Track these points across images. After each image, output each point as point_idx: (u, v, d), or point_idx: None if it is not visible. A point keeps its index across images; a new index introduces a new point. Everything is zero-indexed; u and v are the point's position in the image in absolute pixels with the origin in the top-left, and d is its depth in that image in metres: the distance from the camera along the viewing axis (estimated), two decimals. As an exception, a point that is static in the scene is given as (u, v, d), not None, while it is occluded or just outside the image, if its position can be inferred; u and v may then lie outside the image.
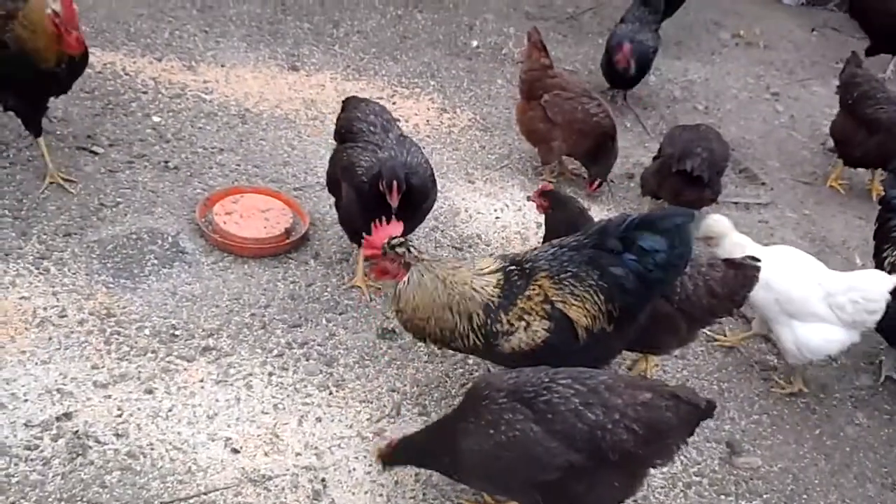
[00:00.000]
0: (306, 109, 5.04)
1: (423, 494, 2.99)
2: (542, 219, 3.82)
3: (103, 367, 3.20)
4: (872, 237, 4.08)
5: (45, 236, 3.72)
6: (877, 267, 3.93)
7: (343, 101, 3.93)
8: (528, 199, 3.97)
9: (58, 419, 2.96)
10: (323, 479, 2.97)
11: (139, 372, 3.21)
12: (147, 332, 3.39)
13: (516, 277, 2.99)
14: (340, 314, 3.67)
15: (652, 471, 2.76)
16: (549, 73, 4.78)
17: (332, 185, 3.79)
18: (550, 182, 4.90)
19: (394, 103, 5.29)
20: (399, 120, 5.11)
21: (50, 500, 2.73)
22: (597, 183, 4.81)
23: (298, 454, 3.04)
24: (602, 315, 2.96)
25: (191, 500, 2.83)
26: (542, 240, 3.75)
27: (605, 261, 2.95)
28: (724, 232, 3.82)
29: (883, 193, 4.28)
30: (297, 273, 3.84)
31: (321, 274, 3.86)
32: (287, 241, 3.93)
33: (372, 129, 3.64)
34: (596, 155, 4.80)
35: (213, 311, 3.55)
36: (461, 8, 6.68)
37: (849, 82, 5.27)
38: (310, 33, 5.89)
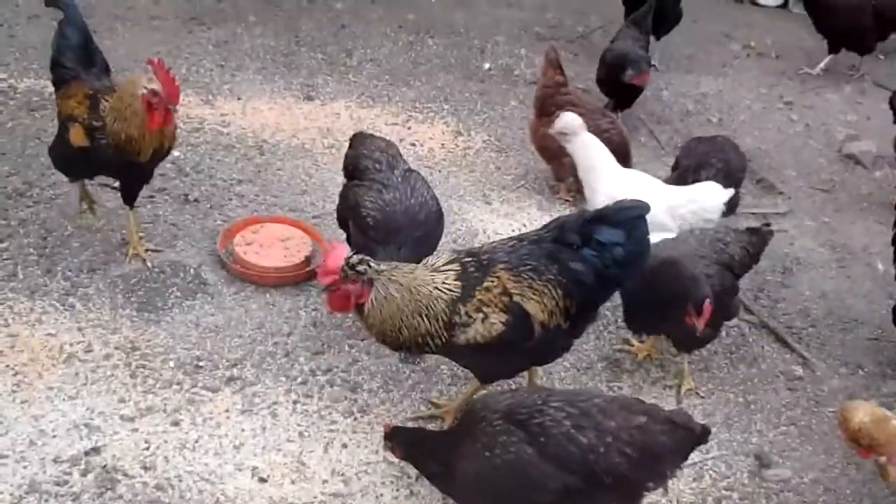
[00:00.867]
0: (322, 138, 5.10)
1: (451, 518, 2.99)
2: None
3: (130, 400, 3.24)
4: (891, 242, 4.05)
5: (69, 273, 3.79)
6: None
7: (350, 138, 3.94)
8: None
9: (86, 454, 3.00)
10: (350, 506, 2.98)
11: (165, 404, 3.24)
12: (172, 364, 3.42)
13: (473, 269, 2.98)
14: (363, 340, 3.68)
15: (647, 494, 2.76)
16: (563, 91, 4.83)
17: (341, 222, 3.83)
18: (568, 199, 4.93)
19: (409, 128, 5.34)
20: (414, 144, 5.18)
21: (81, 534, 2.76)
22: None
23: (325, 481, 3.05)
24: (559, 311, 2.96)
25: (220, 531, 2.84)
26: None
27: (564, 255, 2.96)
28: (577, 130, 4.19)
29: None
30: (318, 300, 3.87)
31: (342, 300, 3.89)
32: (307, 268, 3.97)
33: (377, 166, 3.65)
34: None
35: (236, 341, 3.58)
36: (472, 32, 6.74)
37: None
38: (324, 63, 5.97)
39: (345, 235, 3.85)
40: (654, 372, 3.78)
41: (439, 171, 4.95)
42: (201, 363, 3.45)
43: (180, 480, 2.97)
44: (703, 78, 6.61)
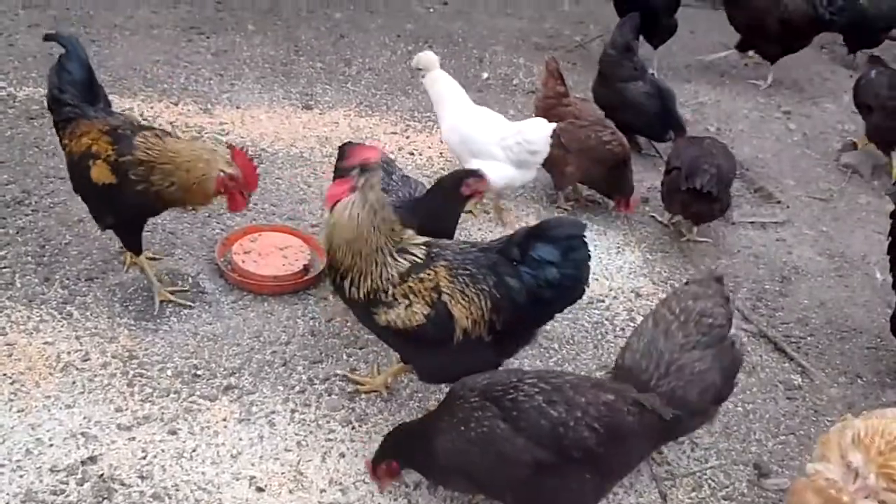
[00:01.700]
0: (321, 147, 5.11)
1: (449, 527, 2.98)
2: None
3: (127, 409, 3.22)
4: (886, 251, 4.05)
5: (67, 281, 3.78)
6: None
7: (339, 148, 3.90)
8: None
9: (83, 463, 2.98)
10: (348, 515, 2.97)
11: (162, 413, 3.23)
12: (169, 372, 3.41)
13: (422, 258, 3.01)
14: (361, 348, 3.68)
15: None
16: (564, 102, 4.84)
17: None
18: (566, 209, 4.93)
19: (407, 137, 5.35)
20: (413, 153, 5.19)
21: (78, 544, 2.74)
22: (625, 202, 4.81)
23: (323, 491, 3.04)
24: (483, 322, 2.96)
25: (217, 540, 2.83)
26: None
27: (502, 269, 2.97)
28: (431, 66, 4.54)
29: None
30: (316, 309, 3.86)
31: (340, 309, 3.88)
32: (305, 277, 3.96)
33: None
34: (614, 181, 4.83)
35: (234, 349, 3.57)
36: (471, 41, 6.77)
37: None
38: (322, 72, 5.98)
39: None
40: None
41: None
42: (199, 372, 3.44)
43: (177, 489, 2.95)
44: (701, 87, 6.64)
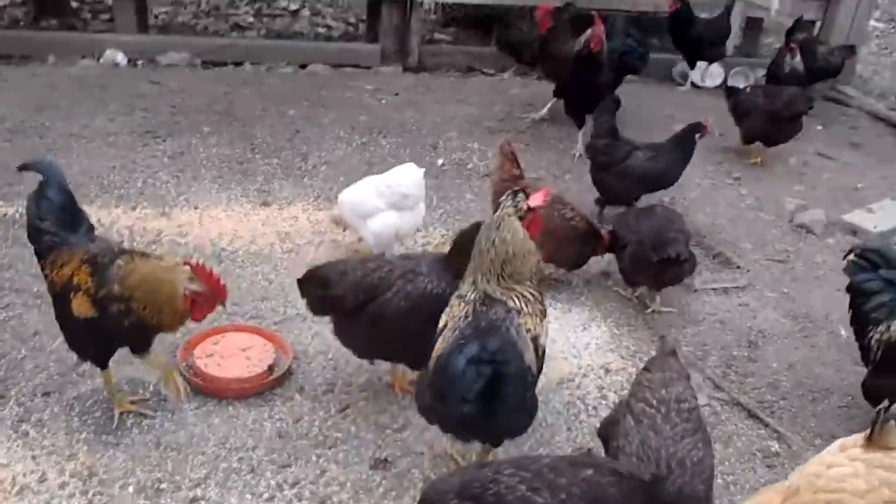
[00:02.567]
0: (281, 242, 5.09)
1: None
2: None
3: (87, 531, 3.08)
4: (850, 323, 4.08)
5: (23, 398, 3.66)
6: (862, 349, 3.94)
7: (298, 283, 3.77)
8: None
9: None
10: None
11: (125, 533, 3.09)
12: (131, 489, 3.28)
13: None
14: (330, 448, 3.58)
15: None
16: (520, 184, 4.87)
17: None
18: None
19: (367, 227, 5.36)
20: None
21: None
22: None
23: None
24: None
25: None
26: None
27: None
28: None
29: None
30: (283, 409, 3.77)
31: (308, 408, 3.80)
32: (270, 377, 3.88)
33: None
34: (581, 256, 4.89)
35: (199, 458, 3.46)
36: (424, 129, 6.88)
37: None
38: (279, 168, 6.02)
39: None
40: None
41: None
42: (162, 485, 3.31)
43: None
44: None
